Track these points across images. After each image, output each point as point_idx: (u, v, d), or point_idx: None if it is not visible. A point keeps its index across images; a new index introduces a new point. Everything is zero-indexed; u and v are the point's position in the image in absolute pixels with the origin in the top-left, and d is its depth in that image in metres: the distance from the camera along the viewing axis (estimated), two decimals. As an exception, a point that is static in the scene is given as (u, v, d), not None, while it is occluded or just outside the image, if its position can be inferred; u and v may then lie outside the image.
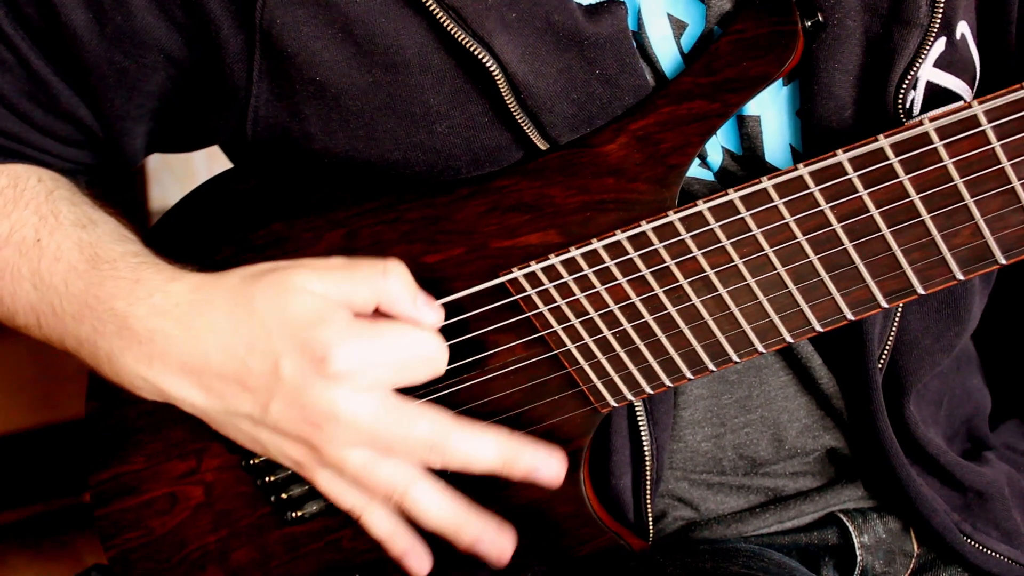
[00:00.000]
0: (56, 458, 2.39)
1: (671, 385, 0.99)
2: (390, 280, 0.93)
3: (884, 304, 0.92)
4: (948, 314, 1.09)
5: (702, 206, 0.92)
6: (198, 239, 1.10)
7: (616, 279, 0.96)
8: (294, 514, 1.07)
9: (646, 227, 0.94)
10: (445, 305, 0.98)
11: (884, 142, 0.86)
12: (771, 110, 1.00)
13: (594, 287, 0.96)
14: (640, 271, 0.95)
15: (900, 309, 1.05)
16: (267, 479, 1.07)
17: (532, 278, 0.98)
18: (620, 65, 0.96)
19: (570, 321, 0.98)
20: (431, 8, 0.94)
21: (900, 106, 0.95)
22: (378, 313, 0.94)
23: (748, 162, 1.02)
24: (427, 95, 0.97)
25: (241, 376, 0.93)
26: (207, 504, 1.11)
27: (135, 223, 1.07)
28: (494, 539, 0.97)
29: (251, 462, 1.07)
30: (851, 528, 1.10)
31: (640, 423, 1.03)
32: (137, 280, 0.97)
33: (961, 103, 0.85)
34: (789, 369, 1.09)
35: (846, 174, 0.88)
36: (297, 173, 1.06)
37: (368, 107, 0.99)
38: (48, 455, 2.39)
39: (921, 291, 0.90)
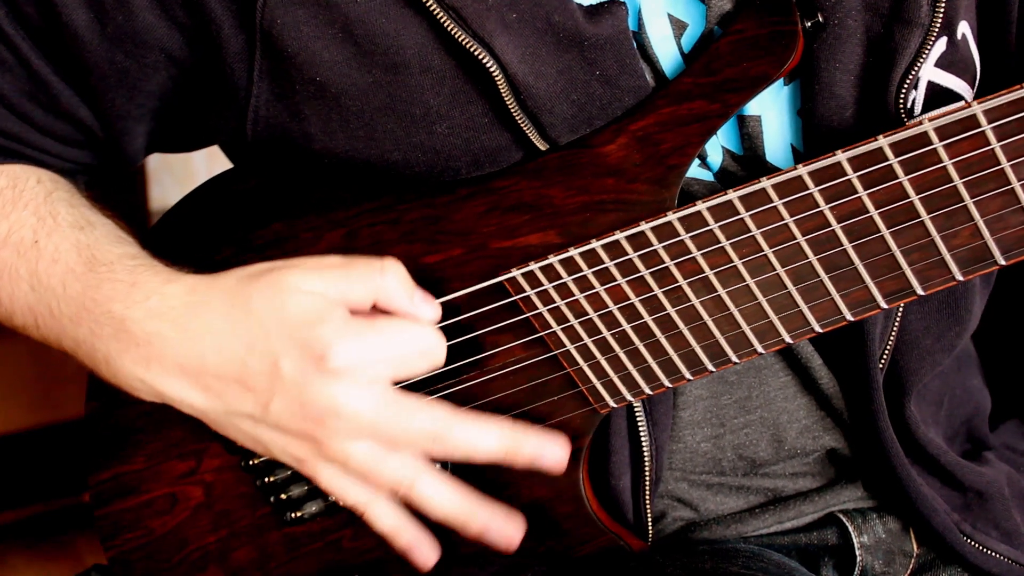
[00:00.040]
0: (56, 458, 2.40)
1: (670, 386, 0.99)
2: (387, 277, 0.94)
3: (883, 305, 0.92)
4: (949, 314, 1.09)
5: (701, 206, 0.92)
6: (198, 239, 1.10)
7: (615, 279, 0.96)
8: (294, 514, 1.07)
9: (645, 227, 0.94)
10: (444, 305, 0.98)
11: (883, 142, 0.86)
12: (772, 110, 1.00)
13: (593, 287, 0.96)
14: (639, 271, 0.95)
15: (901, 309, 1.05)
16: (267, 479, 1.07)
17: (531, 278, 0.98)
18: (620, 66, 0.96)
19: (569, 322, 0.98)
20: (431, 8, 0.94)
21: (901, 106, 0.95)
22: (376, 310, 0.94)
23: (749, 162, 1.02)
24: (427, 95, 0.97)
25: (241, 376, 0.93)
26: (207, 504, 1.11)
27: (135, 224, 1.07)
28: (502, 526, 0.97)
29: (251, 462, 1.07)
30: (851, 528, 1.10)
31: (639, 424, 1.03)
32: (134, 283, 0.97)
33: (961, 103, 0.85)
34: (789, 370, 1.09)
35: (845, 175, 0.88)
36: (297, 173, 1.06)
37: (368, 107, 0.99)
38: (48, 455, 2.39)
39: (920, 292, 0.90)
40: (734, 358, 0.97)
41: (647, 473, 1.05)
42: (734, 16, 0.95)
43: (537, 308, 0.98)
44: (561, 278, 0.97)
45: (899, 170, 0.86)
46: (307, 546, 1.10)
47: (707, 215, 0.92)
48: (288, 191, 1.06)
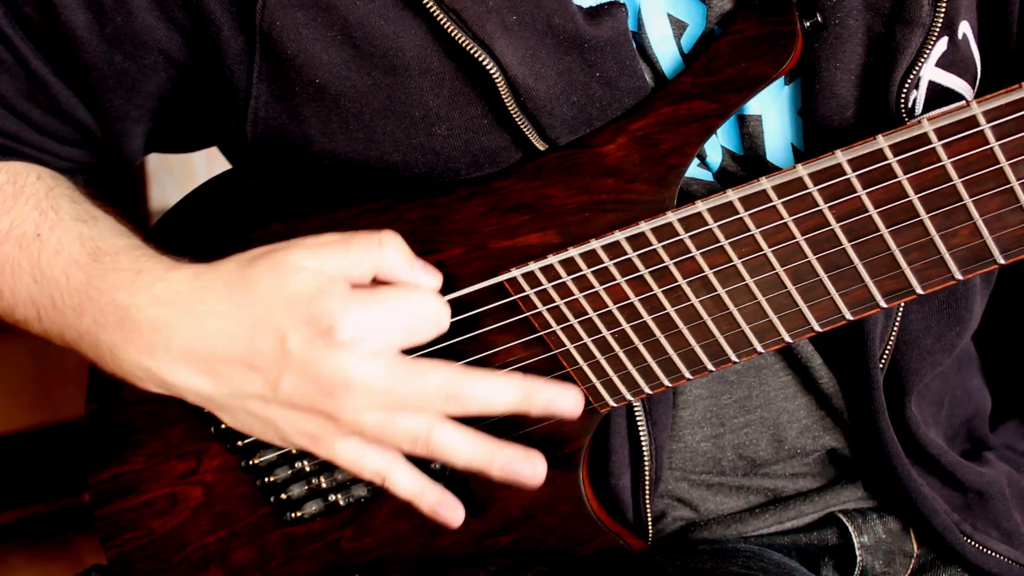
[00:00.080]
0: (56, 458, 2.40)
1: (670, 385, 0.99)
2: (385, 249, 0.94)
3: (883, 304, 0.92)
4: (949, 314, 1.09)
5: (701, 206, 0.92)
6: (198, 240, 1.10)
7: (615, 279, 0.96)
8: (293, 514, 1.07)
9: (645, 227, 0.94)
10: (444, 305, 0.98)
11: (883, 142, 0.86)
12: (773, 109, 1.00)
13: (593, 287, 0.96)
14: (639, 271, 0.95)
15: (901, 309, 1.05)
16: (267, 479, 1.07)
17: (531, 278, 0.98)
18: (620, 68, 0.96)
19: (569, 321, 0.98)
20: (431, 10, 0.94)
21: (902, 106, 0.95)
22: (376, 283, 0.94)
23: (749, 162, 1.02)
24: (426, 97, 0.97)
25: (248, 357, 0.93)
26: (207, 504, 1.11)
27: (134, 224, 1.07)
28: (524, 460, 0.96)
29: (251, 462, 1.07)
30: (851, 528, 1.10)
31: (639, 423, 1.04)
32: (139, 271, 0.97)
33: (960, 103, 0.85)
34: (789, 369, 1.09)
35: (845, 174, 0.88)
36: (297, 174, 1.06)
37: (368, 109, 0.99)
38: (48, 455, 2.40)
39: (920, 291, 0.90)
40: (733, 357, 0.97)
41: (647, 473, 1.05)
42: (734, 16, 0.95)
43: (537, 308, 0.98)
44: (560, 278, 0.97)
45: (898, 169, 0.86)
46: (307, 546, 1.10)
47: (707, 215, 0.92)
48: (288, 192, 1.06)
